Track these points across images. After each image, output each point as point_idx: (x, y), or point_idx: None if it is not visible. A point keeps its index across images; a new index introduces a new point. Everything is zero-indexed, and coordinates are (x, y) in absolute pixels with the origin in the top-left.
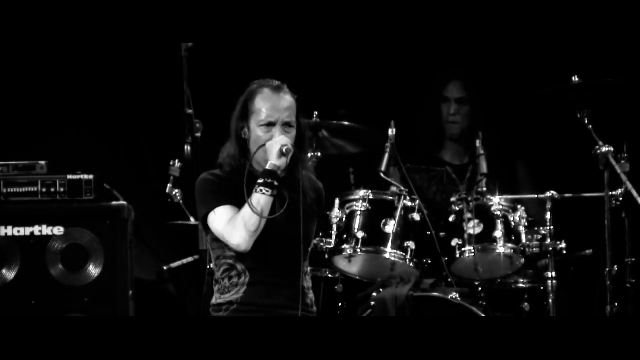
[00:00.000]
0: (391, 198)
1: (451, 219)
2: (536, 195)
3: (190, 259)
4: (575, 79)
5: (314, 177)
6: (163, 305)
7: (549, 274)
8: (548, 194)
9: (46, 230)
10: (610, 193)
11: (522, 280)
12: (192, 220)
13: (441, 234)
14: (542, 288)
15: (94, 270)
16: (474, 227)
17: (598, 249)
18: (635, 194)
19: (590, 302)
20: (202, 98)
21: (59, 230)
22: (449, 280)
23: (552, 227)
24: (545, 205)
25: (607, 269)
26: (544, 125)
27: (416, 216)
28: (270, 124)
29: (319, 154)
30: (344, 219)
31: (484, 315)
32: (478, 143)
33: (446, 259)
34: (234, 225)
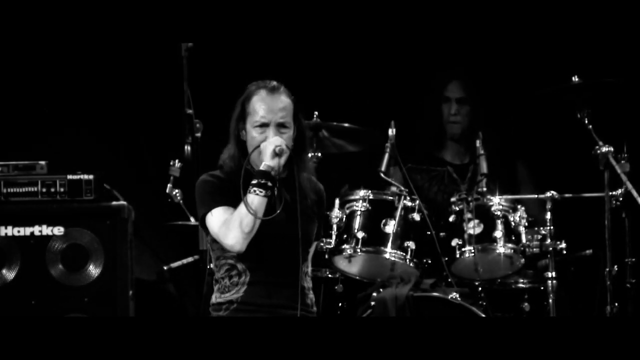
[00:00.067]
0: (391, 198)
1: (451, 219)
2: (536, 195)
3: (190, 259)
4: (575, 79)
5: (315, 179)
6: (163, 305)
7: (549, 274)
8: (548, 194)
9: (46, 230)
10: (610, 193)
11: (522, 280)
12: (192, 220)
13: (441, 234)
14: (542, 288)
15: (94, 270)
16: (474, 227)
17: (598, 249)
18: (635, 194)
19: (590, 302)
20: (202, 98)
21: (59, 230)
22: (449, 280)
23: (552, 227)
24: (545, 205)
25: (607, 269)
26: (544, 125)
27: (416, 216)
28: (264, 125)
29: (319, 154)
30: (344, 219)
31: (484, 315)
32: (478, 143)
33: (446, 259)
34: (228, 226)
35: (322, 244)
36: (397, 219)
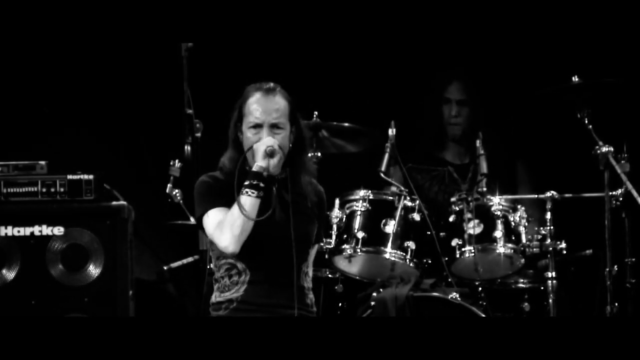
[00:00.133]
0: (391, 198)
1: (451, 219)
2: (536, 195)
3: (190, 259)
4: (575, 79)
5: (315, 181)
6: (163, 305)
7: (549, 274)
8: (548, 194)
9: (46, 230)
10: (610, 193)
11: (522, 280)
12: (192, 220)
13: (441, 234)
14: (542, 288)
15: (94, 270)
16: (474, 227)
17: (598, 249)
18: (635, 194)
19: (590, 302)
20: (202, 98)
21: (59, 230)
22: (449, 280)
23: (552, 227)
24: (545, 206)
25: (607, 269)
26: (544, 125)
27: (416, 216)
28: (258, 126)
29: (319, 154)
30: (344, 219)
31: (484, 315)
32: (478, 143)
33: (446, 259)
34: (221, 228)
35: (322, 244)
36: (397, 219)
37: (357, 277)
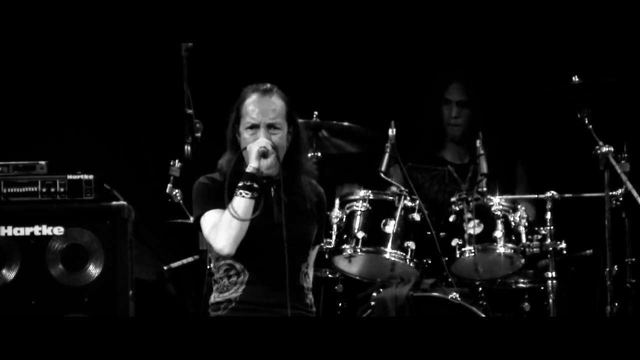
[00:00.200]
0: (391, 198)
1: (451, 219)
2: (536, 195)
3: (190, 259)
4: (575, 79)
5: (315, 182)
6: (163, 305)
7: (549, 274)
8: (548, 194)
9: (46, 230)
10: (610, 193)
11: (522, 280)
12: (192, 220)
13: (441, 234)
14: (542, 288)
15: (94, 270)
16: (474, 227)
17: (598, 249)
18: (635, 194)
19: (590, 302)
20: (202, 98)
21: (59, 230)
22: (449, 280)
23: (552, 227)
24: (545, 206)
25: (607, 269)
26: (544, 125)
27: (416, 216)
28: (254, 127)
29: (319, 154)
30: (344, 219)
31: (484, 315)
32: (478, 143)
33: (446, 259)
34: (217, 230)
35: (322, 244)
36: (397, 219)
37: (357, 277)
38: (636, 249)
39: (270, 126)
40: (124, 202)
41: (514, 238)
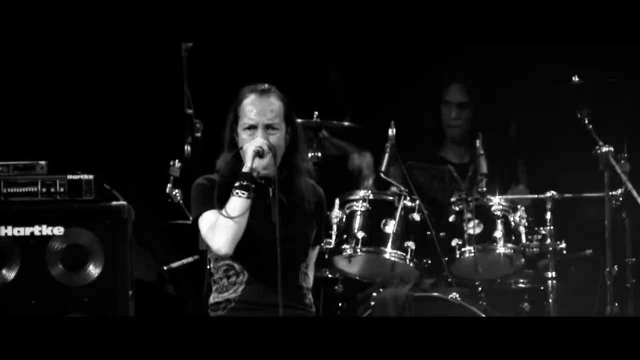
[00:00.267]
0: (391, 198)
1: (451, 219)
2: (536, 195)
3: (190, 259)
4: (575, 79)
5: (314, 182)
6: (163, 305)
7: (549, 274)
8: (548, 194)
9: (46, 230)
10: (610, 193)
11: (522, 280)
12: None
13: (441, 234)
14: (542, 288)
15: (94, 270)
16: (474, 227)
17: (598, 249)
18: (635, 194)
19: (590, 302)
20: (202, 98)
21: (59, 230)
22: (449, 280)
23: (552, 227)
24: (545, 206)
25: (607, 269)
26: (544, 125)
27: (416, 216)
28: (252, 127)
29: (319, 154)
30: (344, 219)
31: (484, 315)
32: (478, 143)
33: (446, 259)
34: (214, 230)
35: (322, 244)
36: (397, 219)
37: (357, 277)
38: (636, 249)
39: (268, 127)
40: (124, 202)
41: (514, 238)
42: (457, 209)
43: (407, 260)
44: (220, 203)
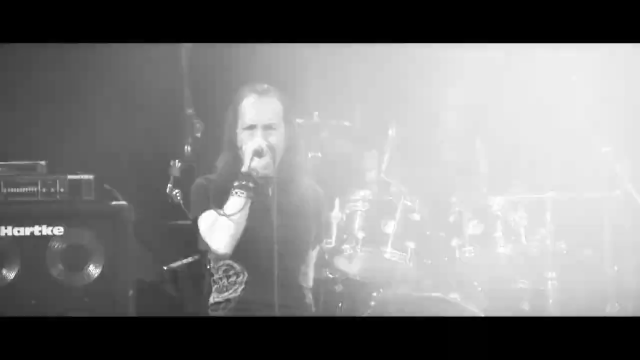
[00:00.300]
0: (391, 198)
1: (451, 219)
2: (536, 195)
3: (190, 259)
4: (575, 79)
5: (313, 182)
6: (163, 305)
7: (549, 274)
8: (548, 194)
9: (46, 230)
10: (610, 193)
11: (522, 280)
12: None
13: (441, 234)
14: (542, 288)
15: (94, 270)
16: (474, 227)
17: (598, 249)
18: (635, 194)
19: (590, 302)
20: (202, 98)
21: (59, 230)
22: (449, 280)
23: (552, 227)
24: (545, 206)
25: (607, 269)
26: (544, 126)
27: (416, 216)
28: (251, 127)
29: (319, 154)
30: (344, 219)
31: (484, 315)
32: (478, 143)
33: (446, 258)
34: (213, 230)
35: (322, 244)
36: (397, 219)
37: (357, 277)
38: (636, 249)
39: (267, 127)
40: (124, 202)
41: (513, 238)
42: (457, 209)
43: (407, 260)
44: (219, 203)
